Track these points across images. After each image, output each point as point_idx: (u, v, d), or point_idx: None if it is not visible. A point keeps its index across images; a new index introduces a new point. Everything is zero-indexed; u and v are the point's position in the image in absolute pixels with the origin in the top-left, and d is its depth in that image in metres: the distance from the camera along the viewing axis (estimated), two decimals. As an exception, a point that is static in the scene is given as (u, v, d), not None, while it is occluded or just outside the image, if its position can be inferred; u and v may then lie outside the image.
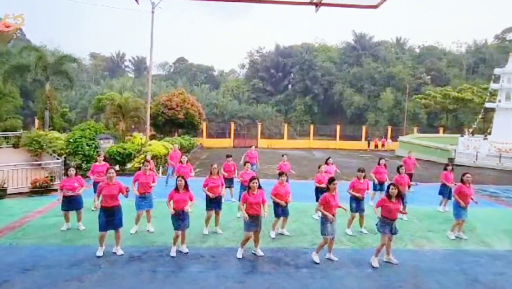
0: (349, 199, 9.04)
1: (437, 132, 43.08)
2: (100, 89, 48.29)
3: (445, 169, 11.58)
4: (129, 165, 17.78)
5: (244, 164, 10.65)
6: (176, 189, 7.31)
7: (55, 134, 20.43)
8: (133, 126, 27.21)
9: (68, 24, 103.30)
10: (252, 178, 7.39)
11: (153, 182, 8.82)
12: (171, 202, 7.26)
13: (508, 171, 24.07)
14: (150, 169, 8.99)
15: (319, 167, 10.49)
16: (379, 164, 11.81)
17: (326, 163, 11.14)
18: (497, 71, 31.22)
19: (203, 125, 39.08)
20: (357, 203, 8.92)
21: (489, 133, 30.36)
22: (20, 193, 12.25)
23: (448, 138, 34.75)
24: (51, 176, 13.12)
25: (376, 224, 7.28)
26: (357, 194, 8.85)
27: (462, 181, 8.86)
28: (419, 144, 31.31)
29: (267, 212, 7.32)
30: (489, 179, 20.15)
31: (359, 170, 9.15)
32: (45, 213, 10.20)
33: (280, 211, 8.43)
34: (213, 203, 8.62)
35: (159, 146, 20.65)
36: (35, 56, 27.39)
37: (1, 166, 12.45)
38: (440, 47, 67.43)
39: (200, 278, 6.45)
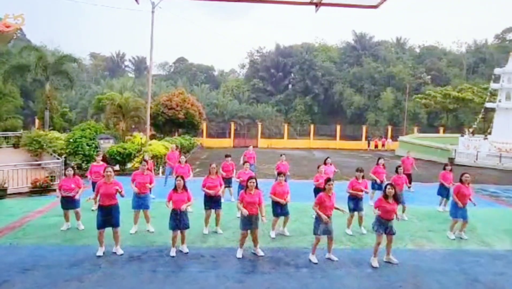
0: (346, 199, 9.02)
1: (437, 132, 43.09)
2: (100, 89, 48.27)
3: (444, 169, 11.59)
4: (129, 165, 17.79)
5: (244, 164, 10.65)
6: (175, 189, 7.32)
7: (55, 134, 20.43)
8: (133, 126, 27.22)
9: (68, 24, 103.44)
10: (250, 178, 7.40)
11: (151, 182, 8.81)
12: (170, 202, 7.28)
13: (509, 171, 24.06)
14: (147, 169, 9.00)
15: (318, 167, 10.52)
16: (377, 164, 11.81)
17: (325, 163, 11.15)
18: (497, 71, 31.22)
19: (203, 125, 39.09)
20: (355, 203, 8.91)
21: (489, 133, 30.36)
22: (20, 193, 12.25)
23: (448, 138, 34.75)
24: (51, 176, 13.13)
25: (372, 224, 7.31)
26: (357, 192, 8.81)
27: (461, 181, 8.88)
28: (419, 144, 31.32)
29: (264, 216, 7.31)
30: (489, 179, 20.13)
31: (357, 170, 9.15)
32: (45, 213, 10.20)
33: (279, 210, 8.42)
34: (212, 203, 8.62)
35: (159, 146, 20.65)
36: (35, 56, 27.41)
37: (1, 166, 12.44)
38: (440, 47, 67.45)
39: (200, 278, 6.45)
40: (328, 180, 7.29)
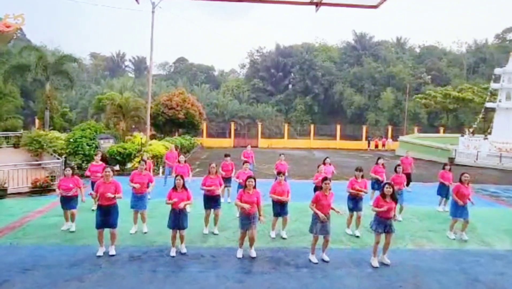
0: (346, 199, 9.01)
1: (438, 132, 43.07)
2: (101, 89, 48.28)
3: (443, 168, 11.59)
4: (129, 165, 17.78)
5: (243, 164, 10.65)
6: (175, 188, 7.32)
7: (56, 134, 20.42)
8: (133, 126, 27.20)
9: (68, 24, 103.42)
10: (249, 177, 7.40)
11: (150, 182, 8.82)
12: (172, 200, 7.25)
13: (509, 171, 24.05)
14: (145, 169, 9.00)
15: (318, 167, 10.62)
16: (377, 163, 11.81)
17: (324, 163, 11.19)
18: (497, 71, 31.21)
19: (203, 125, 39.09)
20: (354, 203, 8.88)
21: (490, 133, 30.36)
22: (20, 193, 12.25)
23: (448, 138, 34.73)
24: (52, 176, 13.13)
25: (370, 223, 7.31)
26: (355, 190, 8.75)
27: (460, 181, 8.88)
28: (419, 144, 31.31)
29: (263, 216, 7.29)
30: (489, 179, 20.12)
31: (356, 169, 9.12)
32: (45, 213, 10.20)
33: (279, 209, 8.40)
34: (211, 202, 8.60)
35: (159, 146, 20.65)
36: (36, 56, 27.37)
37: (1, 166, 12.45)
38: (440, 47, 67.46)
39: (200, 278, 6.45)
40: (324, 179, 7.29)
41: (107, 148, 17.39)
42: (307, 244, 8.11)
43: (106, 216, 7.17)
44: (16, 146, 20.20)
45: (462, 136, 31.17)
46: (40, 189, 12.37)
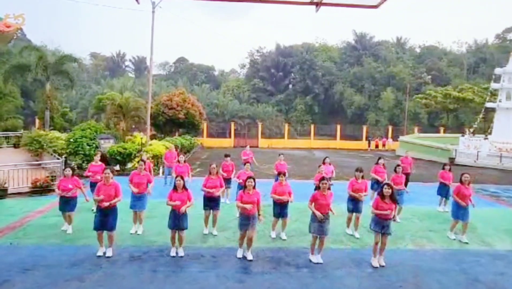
0: (346, 199, 9.00)
1: (438, 132, 43.05)
2: (101, 89, 48.29)
3: (443, 168, 11.59)
4: (129, 165, 17.78)
5: (244, 164, 10.66)
6: (175, 189, 7.31)
7: (56, 134, 20.43)
8: (133, 126, 27.21)
9: (68, 24, 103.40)
10: (248, 178, 7.40)
11: (149, 182, 8.81)
12: (174, 202, 7.25)
13: (509, 171, 24.04)
14: (144, 169, 9.00)
15: (319, 167, 10.64)
16: (377, 163, 11.80)
17: (323, 162, 11.20)
18: (497, 70, 31.18)
19: (204, 125, 39.07)
20: (354, 204, 8.85)
21: (490, 133, 30.34)
22: (21, 193, 12.25)
23: (448, 138, 34.71)
24: (52, 176, 13.13)
25: (369, 223, 7.32)
26: (356, 194, 8.74)
27: (460, 181, 8.85)
28: (420, 144, 31.30)
29: (262, 215, 7.28)
30: (489, 179, 20.11)
31: (357, 170, 9.08)
32: (46, 213, 10.21)
33: (279, 210, 8.38)
34: (211, 203, 8.58)
35: (159, 146, 20.65)
36: (36, 56, 27.37)
37: (2, 166, 12.46)
38: (440, 47, 67.41)
39: (201, 278, 6.45)
40: (322, 178, 7.29)
41: (107, 148, 17.40)
42: (307, 244, 8.10)
43: (105, 217, 7.15)
44: (16, 146, 20.21)
45: (463, 136, 31.16)
46: (40, 189, 12.38)
